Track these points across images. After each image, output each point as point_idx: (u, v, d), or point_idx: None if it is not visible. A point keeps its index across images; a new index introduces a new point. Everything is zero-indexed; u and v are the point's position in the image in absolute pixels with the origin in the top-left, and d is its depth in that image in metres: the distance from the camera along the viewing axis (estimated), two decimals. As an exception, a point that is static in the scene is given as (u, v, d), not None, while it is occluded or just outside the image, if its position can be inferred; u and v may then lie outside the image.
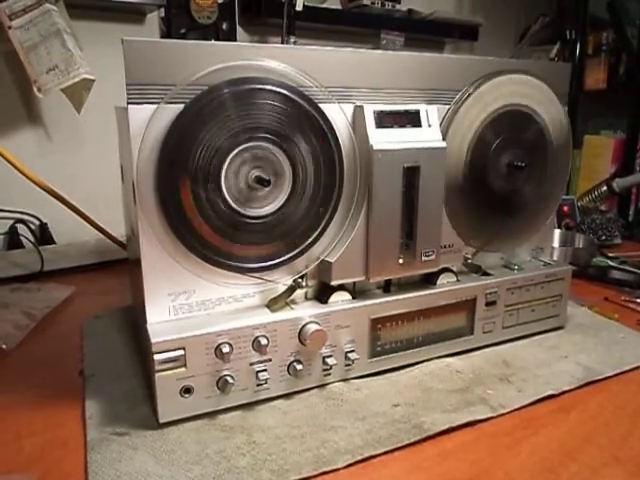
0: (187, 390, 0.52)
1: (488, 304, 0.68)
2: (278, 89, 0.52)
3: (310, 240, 0.57)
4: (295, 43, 1.16)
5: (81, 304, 0.85)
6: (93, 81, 0.92)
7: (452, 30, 1.48)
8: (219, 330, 0.52)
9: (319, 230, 0.57)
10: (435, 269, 0.64)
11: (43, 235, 1.05)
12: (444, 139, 0.61)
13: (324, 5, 1.28)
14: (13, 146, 0.93)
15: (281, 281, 0.57)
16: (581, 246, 1.07)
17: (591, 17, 1.49)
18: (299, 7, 1.13)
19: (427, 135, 0.60)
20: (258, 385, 0.55)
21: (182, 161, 0.49)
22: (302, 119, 0.54)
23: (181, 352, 0.51)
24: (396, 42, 1.36)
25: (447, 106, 0.63)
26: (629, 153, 1.47)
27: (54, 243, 1.04)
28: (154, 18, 1.13)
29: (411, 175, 0.59)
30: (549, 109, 0.70)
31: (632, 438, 0.52)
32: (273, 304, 0.57)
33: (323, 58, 0.55)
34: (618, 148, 1.50)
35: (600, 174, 1.46)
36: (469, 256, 0.68)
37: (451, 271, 0.66)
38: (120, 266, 0.97)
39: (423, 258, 0.62)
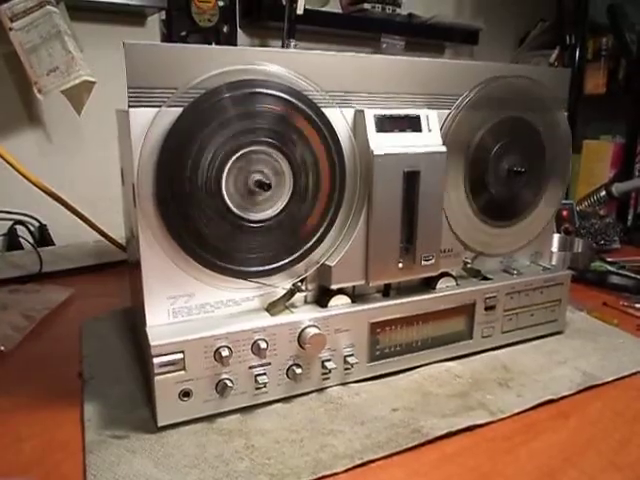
0: (186, 393, 0.52)
1: (487, 308, 0.68)
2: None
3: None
4: (296, 46, 1.16)
5: (80, 306, 0.85)
6: (94, 83, 0.92)
7: (452, 34, 1.48)
8: (218, 333, 0.52)
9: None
10: (434, 273, 0.64)
11: (42, 236, 1.05)
12: (444, 144, 0.61)
13: (325, 9, 1.28)
14: (13, 147, 0.93)
15: (281, 285, 0.57)
16: (580, 251, 1.07)
17: (591, 22, 1.49)
18: (300, 10, 1.13)
19: (427, 140, 0.60)
20: (257, 389, 0.55)
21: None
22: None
23: (180, 355, 0.51)
24: (396, 46, 1.36)
25: (447, 111, 0.63)
26: (628, 158, 1.47)
27: (53, 244, 1.04)
28: (155, 21, 1.13)
29: (411, 180, 0.59)
30: (549, 114, 0.70)
31: (630, 444, 0.52)
32: (272, 308, 0.57)
33: (324, 62, 0.55)
34: (617, 153, 1.50)
35: (599, 179, 1.47)
36: (468, 260, 0.68)
37: (450, 275, 0.66)
38: (119, 268, 0.97)
39: (423, 262, 0.62)
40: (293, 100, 0.53)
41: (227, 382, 0.53)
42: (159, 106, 0.49)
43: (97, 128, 1.05)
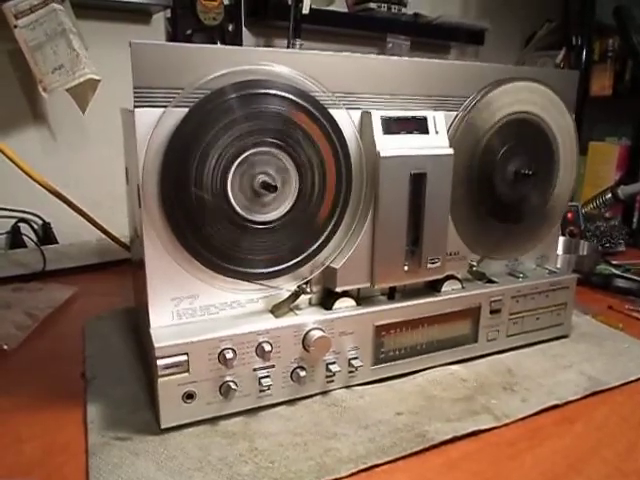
0: (189, 395, 0.52)
1: (492, 312, 0.67)
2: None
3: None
4: (301, 46, 1.16)
5: (83, 305, 0.85)
6: (99, 81, 0.92)
7: (458, 34, 1.47)
8: (222, 335, 0.52)
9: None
10: (440, 276, 0.63)
11: (46, 235, 1.04)
12: (451, 146, 0.61)
13: (330, 8, 1.27)
14: (17, 145, 0.93)
15: (285, 287, 0.57)
16: (585, 253, 1.06)
17: (597, 23, 1.48)
18: (306, 10, 1.13)
19: (434, 142, 0.60)
20: (261, 391, 0.55)
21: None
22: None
23: (184, 357, 0.51)
24: (402, 46, 1.35)
25: (454, 112, 0.62)
26: (634, 160, 1.46)
27: (57, 243, 1.04)
28: (160, 19, 1.12)
29: (418, 182, 0.58)
30: (556, 117, 0.70)
31: (637, 450, 0.52)
32: (277, 310, 0.57)
33: (331, 63, 0.55)
34: (623, 155, 1.49)
35: (605, 181, 1.46)
36: (474, 263, 0.67)
37: (456, 278, 0.66)
38: (123, 266, 0.97)
39: (428, 265, 0.61)
40: (299, 101, 0.53)
41: (231, 384, 0.53)
42: (165, 106, 0.48)
43: (102, 127, 1.05)
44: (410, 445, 0.50)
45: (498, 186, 0.67)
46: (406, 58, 0.60)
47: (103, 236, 0.97)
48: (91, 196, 1.00)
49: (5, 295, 0.83)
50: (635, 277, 0.98)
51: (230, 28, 1.14)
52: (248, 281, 0.55)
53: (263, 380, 0.54)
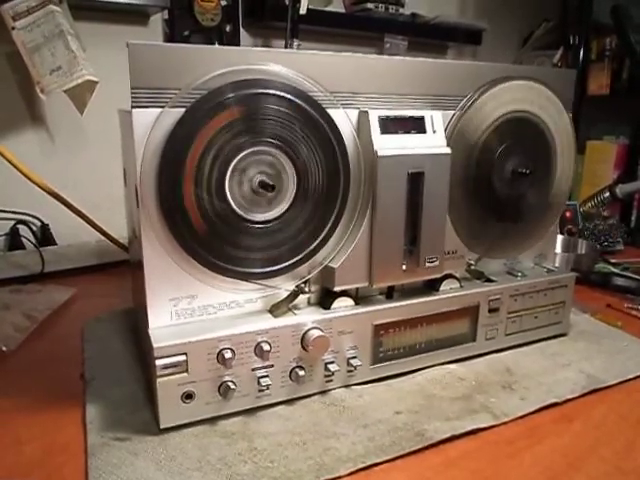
0: (188, 396, 0.52)
1: (491, 311, 0.68)
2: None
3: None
4: (299, 46, 1.16)
5: (82, 306, 0.85)
6: (96, 83, 0.92)
7: (455, 34, 1.47)
8: (221, 335, 0.52)
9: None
10: (438, 275, 0.64)
11: (44, 236, 1.04)
12: (449, 145, 0.61)
13: (328, 8, 1.27)
14: (16, 147, 0.93)
15: (284, 287, 0.57)
16: (583, 252, 1.07)
17: (595, 22, 1.49)
18: (303, 10, 1.13)
19: (432, 141, 0.60)
20: (260, 391, 0.55)
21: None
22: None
23: (183, 357, 0.51)
24: (400, 46, 1.36)
25: (452, 112, 0.62)
26: (632, 159, 1.46)
27: (55, 244, 1.04)
28: (157, 20, 1.12)
29: (415, 181, 0.58)
30: (554, 116, 0.70)
31: (636, 448, 0.52)
32: (275, 309, 0.57)
33: (328, 63, 0.55)
34: (621, 154, 1.49)
35: (603, 180, 1.46)
36: (472, 262, 0.68)
37: (454, 277, 0.66)
38: (121, 267, 0.97)
39: (426, 264, 0.61)
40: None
41: (230, 384, 0.53)
42: (162, 106, 0.48)
43: (100, 128, 1.05)
44: (409, 444, 0.51)
45: (496, 185, 0.67)
46: (404, 57, 0.60)
47: (102, 237, 0.97)
48: (90, 198, 1.00)
49: (4, 297, 0.83)
50: (634, 275, 0.98)
51: (228, 29, 1.14)
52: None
53: (262, 380, 0.54)
